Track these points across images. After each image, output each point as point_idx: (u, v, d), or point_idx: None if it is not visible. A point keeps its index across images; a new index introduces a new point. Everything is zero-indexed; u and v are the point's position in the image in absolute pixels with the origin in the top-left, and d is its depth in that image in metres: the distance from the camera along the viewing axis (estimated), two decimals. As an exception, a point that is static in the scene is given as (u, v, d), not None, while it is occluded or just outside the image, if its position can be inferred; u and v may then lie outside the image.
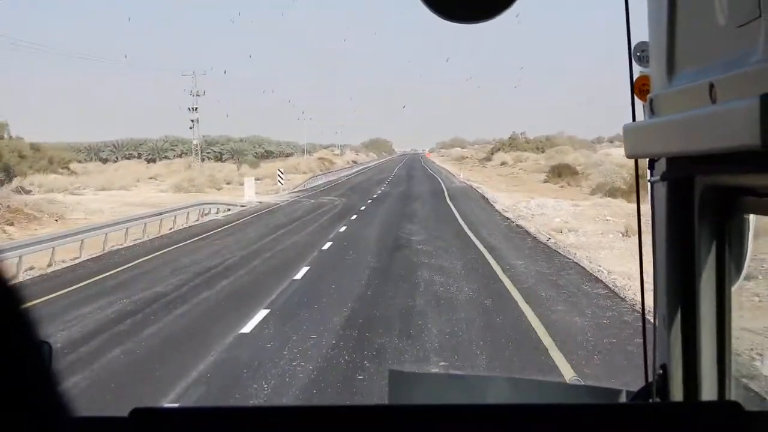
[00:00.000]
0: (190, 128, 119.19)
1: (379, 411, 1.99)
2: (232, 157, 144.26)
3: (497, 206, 46.88)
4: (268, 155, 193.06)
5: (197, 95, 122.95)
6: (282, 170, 76.53)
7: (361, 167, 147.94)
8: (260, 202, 55.95)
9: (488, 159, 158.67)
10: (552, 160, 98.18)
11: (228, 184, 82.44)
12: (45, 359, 1.13)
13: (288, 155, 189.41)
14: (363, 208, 48.13)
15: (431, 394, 3.23)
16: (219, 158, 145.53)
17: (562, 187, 70.26)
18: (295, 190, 73.22)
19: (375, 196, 60.59)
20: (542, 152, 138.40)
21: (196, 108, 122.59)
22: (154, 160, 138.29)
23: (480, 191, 62.98)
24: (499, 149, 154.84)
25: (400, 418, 1.98)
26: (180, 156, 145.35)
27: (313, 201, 56.53)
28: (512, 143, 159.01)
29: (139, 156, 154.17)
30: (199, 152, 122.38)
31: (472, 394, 3.20)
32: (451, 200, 53.38)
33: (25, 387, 1.05)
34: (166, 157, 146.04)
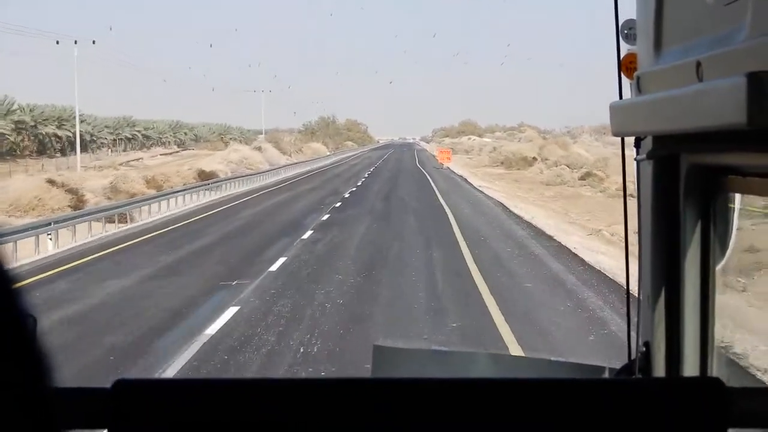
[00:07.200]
0: None
1: (362, 384, 2.01)
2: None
3: None
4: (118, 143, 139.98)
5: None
6: None
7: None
8: None
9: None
10: None
11: None
12: (29, 332, 1.17)
13: (179, 144, 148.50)
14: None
15: (414, 370, 3.26)
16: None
17: None
18: None
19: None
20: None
21: None
22: None
23: None
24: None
25: (383, 391, 2.00)
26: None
27: None
28: None
29: None
30: None
31: (455, 370, 3.25)
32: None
33: (8, 360, 1.07)
34: None
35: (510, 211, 48.12)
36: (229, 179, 78.64)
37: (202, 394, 2.33)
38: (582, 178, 76.60)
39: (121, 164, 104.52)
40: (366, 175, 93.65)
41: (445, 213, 46.82)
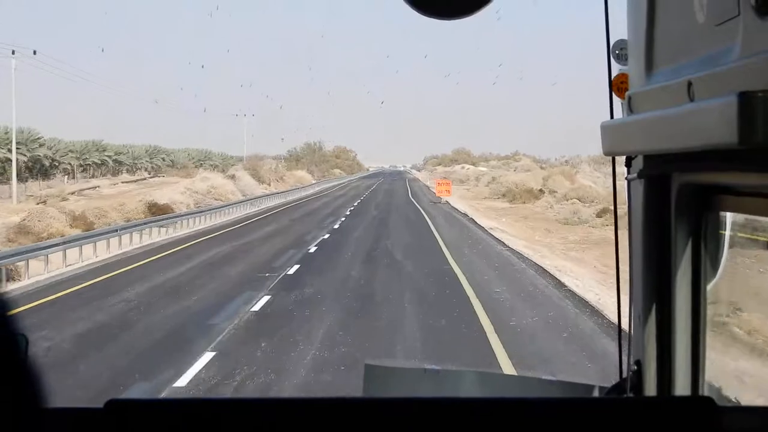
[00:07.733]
0: None
1: (354, 404, 2.03)
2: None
3: None
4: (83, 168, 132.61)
5: None
6: None
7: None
8: None
9: None
10: None
11: None
12: (21, 352, 1.18)
13: (159, 171, 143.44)
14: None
15: (406, 388, 3.28)
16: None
17: None
18: None
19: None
20: None
21: None
22: None
23: None
24: None
25: (375, 411, 2.02)
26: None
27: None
28: None
29: None
30: None
31: (447, 388, 3.28)
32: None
33: (1, 379, 1.07)
34: None
35: (559, 282, 31.22)
36: (180, 216, 62.88)
37: (193, 413, 2.35)
38: (599, 215, 65.90)
39: (71, 193, 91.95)
40: (348, 213, 76.21)
41: (465, 294, 28.58)
